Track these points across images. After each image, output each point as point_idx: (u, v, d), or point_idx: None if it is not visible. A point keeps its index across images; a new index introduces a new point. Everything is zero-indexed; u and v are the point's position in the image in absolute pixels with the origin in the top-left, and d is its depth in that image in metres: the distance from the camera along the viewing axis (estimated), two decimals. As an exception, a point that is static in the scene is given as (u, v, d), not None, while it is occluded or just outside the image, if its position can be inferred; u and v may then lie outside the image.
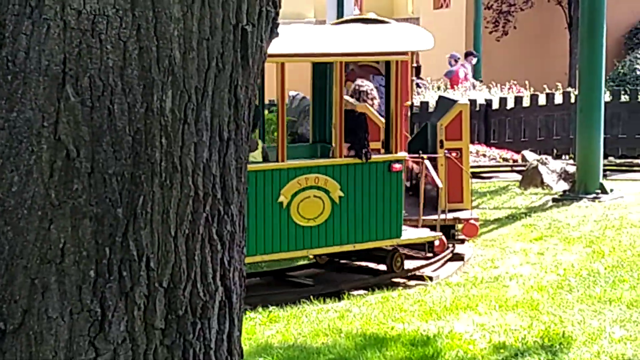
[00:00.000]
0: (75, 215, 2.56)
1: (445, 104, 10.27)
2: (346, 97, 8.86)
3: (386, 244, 8.74)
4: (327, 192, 8.33)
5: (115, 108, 2.58)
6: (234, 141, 2.81)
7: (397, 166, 8.57)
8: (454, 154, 9.47)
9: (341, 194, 8.37)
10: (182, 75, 2.65)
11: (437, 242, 9.03)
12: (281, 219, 8.08)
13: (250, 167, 7.74)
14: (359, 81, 9.69)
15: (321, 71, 9.09)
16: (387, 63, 8.80)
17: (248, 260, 7.74)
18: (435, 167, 9.41)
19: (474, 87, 20.59)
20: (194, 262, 2.74)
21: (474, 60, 21.84)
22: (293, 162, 8.27)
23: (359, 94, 9.60)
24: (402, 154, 8.76)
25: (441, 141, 9.56)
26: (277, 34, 2.92)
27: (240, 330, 2.99)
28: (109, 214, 2.60)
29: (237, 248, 2.90)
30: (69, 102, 2.53)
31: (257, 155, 8.08)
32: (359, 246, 8.54)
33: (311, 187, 8.27)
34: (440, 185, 9.09)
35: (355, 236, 8.47)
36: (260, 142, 8.41)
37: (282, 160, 8.17)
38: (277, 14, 2.88)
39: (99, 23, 2.54)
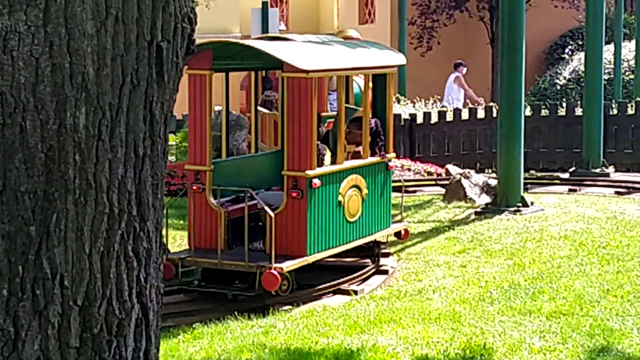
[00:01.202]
0: (-14, 234, 2.53)
1: (348, 112, 10.69)
2: (259, 107, 9.60)
3: (384, 234, 10.03)
4: (360, 190, 9.44)
5: (27, 125, 2.55)
6: (149, 157, 2.81)
7: (391, 164, 10.01)
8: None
9: (367, 191, 9.53)
10: (96, 91, 2.64)
11: (402, 232, 10.36)
12: (339, 216, 9.19)
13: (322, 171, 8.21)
14: (267, 92, 10.40)
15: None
16: (374, 76, 10.03)
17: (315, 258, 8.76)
18: None
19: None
20: (109, 280, 2.73)
21: (464, 70, 22.16)
22: (347, 164, 9.32)
23: (270, 104, 10.92)
24: (392, 155, 10.05)
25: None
26: (194, 51, 2.93)
27: (157, 348, 2.98)
28: (22, 231, 2.58)
29: (153, 265, 2.90)
30: (-20, 119, 2.50)
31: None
32: (375, 236, 9.79)
33: (353, 187, 9.35)
34: None
35: (374, 228, 9.72)
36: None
37: (341, 163, 9.17)
38: (192, 30, 2.89)
39: (11, 40, 2.52)
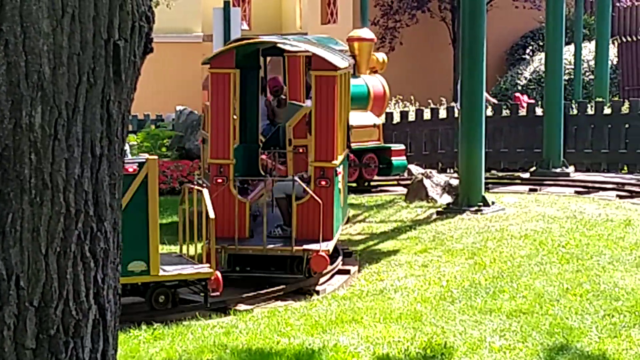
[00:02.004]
0: (-60, 234, 2.50)
1: (293, 108, 11.62)
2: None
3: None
4: (343, 179, 10.42)
5: (-18, 124, 2.52)
6: (106, 157, 2.78)
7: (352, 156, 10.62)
8: (300, 150, 10.91)
9: (343, 181, 10.53)
10: (52, 90, 2.61)
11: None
12: (339, 202, 9.99)
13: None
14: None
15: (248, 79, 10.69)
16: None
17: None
18: (285, 162, 11.14)
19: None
20: (66, 281, 2.70)
21: None
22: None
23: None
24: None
25: (289, 140, 11.03)
26: (151, 50, 2.91)
27: (115, 349, 2.96)
28: (-24, 232, 2.54)
29: (111, 265, 2.87)
30: None
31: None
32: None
33: (342, 176, 10.33)
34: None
35: (347, 213, 11.33)
36: None
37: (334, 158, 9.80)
38: (150, 29, 2.87)
39: (-35, 38, 2.49)
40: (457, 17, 24.86)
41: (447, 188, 13.66)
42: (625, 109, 17.50)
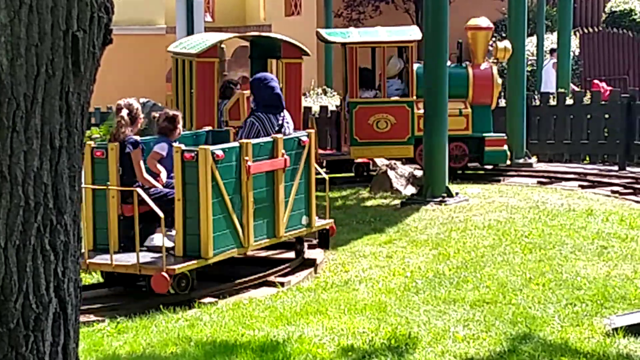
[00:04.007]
0: None
1: (230, 92, 12.98)
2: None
3: None
4: None
5: (-62, 116, 2.49)
6: (66, 149, 2.76)
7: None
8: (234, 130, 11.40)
9: None
10: (10, 82, 2.59)
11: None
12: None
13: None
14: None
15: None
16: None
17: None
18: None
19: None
20: (25, 274, 2.68)
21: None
22: None
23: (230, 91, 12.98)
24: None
25: (226, 121, 12.41)
26: (111, 40, 2.89)
27: (76, 342, 2.94)
28: None
29: (71, 258, 2.85)
30: None
31: None
32: None
33: None
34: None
35: None
36: None
37: None
38: (109, 19, 2.85)
39: None
40: (420, 8, 24.92)
41: (412, 179, 13.70)
42: (587, 99, 17.65)
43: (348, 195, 13.66)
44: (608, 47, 26.36)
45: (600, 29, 27.29)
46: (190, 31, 15.00)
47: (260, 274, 9.04)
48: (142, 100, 19.44)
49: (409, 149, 14.76)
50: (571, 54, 22.44)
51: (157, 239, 8.26)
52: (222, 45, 16.33)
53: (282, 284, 8.89)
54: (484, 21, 15.59)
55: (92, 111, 21.54)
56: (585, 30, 27.50)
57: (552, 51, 22.28)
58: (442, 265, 9.03)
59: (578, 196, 12.77)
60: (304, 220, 9.50)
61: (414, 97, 14.56)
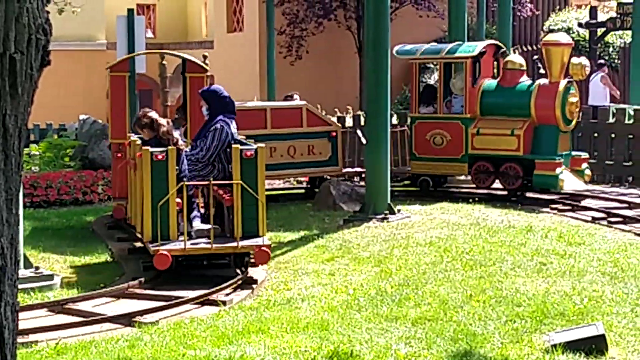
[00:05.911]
0: None
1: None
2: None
3: None
4: None
5: None
6: (3, 171, 2.73)
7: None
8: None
9: None
10: (-54, 104, 2.55)
11: None
12: None
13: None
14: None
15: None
16: None
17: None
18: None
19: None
20: (-40, 298, 2.64)
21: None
22: None
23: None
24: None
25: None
26: (49, 62, 2.86)
27: (13, 367, 2.89)
28: None
29: (8, 282, 2.81)
30: None
31: None
32: None
33: None
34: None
35: None
36: None
37: None
38: (47, 41, 2.82)
39: None
40: (362, 26, 25.07)
41: (354, 196, 13.75)
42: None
43: (291, 213, 13.66)
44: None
45: (539, 46, 27.69)
46: (131, 47, 14.87)
47: (202, 292, 8.99)
48: (82, 117, 19.28)
49: (463, 167, 14.69)
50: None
51: (197, 223, 9.82)
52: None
53: (224, 303, 8.85)
54: (562, 37, 14.66)
55: (32, 128, 21.27)
56: (524, 48, 27.90)
57: (599, 65, 22.44)
58: (384, 283, 9.06)
59: (517, 213, 12.92)
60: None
61: (468, 114, 14.51)
